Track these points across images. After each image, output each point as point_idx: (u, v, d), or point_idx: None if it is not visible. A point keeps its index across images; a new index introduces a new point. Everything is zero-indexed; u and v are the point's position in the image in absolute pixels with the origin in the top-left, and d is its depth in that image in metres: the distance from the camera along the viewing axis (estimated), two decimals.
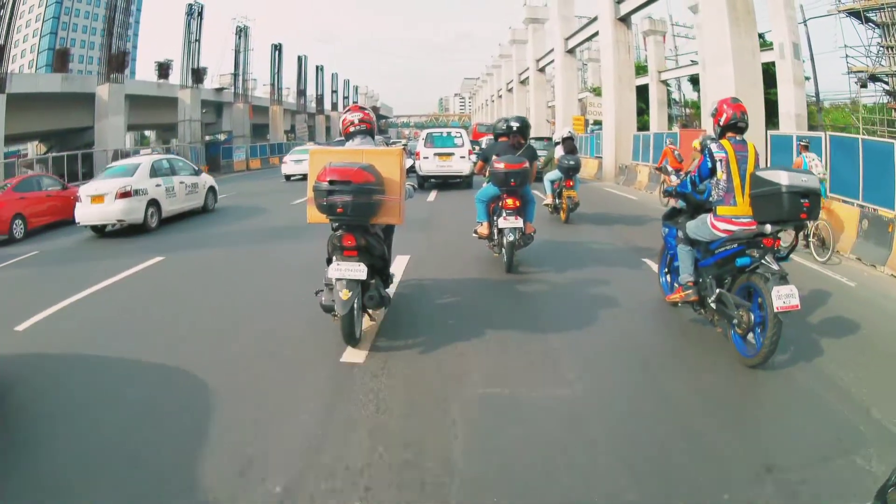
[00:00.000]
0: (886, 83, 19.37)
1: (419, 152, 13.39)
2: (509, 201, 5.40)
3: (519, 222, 5.38)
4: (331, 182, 3.36)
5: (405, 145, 21.90)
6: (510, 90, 42.01)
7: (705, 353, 3.60)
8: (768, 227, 3.37)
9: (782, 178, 3.23)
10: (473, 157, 12.44)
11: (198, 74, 27.75)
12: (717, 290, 3.63)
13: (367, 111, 4.30)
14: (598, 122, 23.84)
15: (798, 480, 2.25)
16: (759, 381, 3.23)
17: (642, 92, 24.14)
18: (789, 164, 7.66)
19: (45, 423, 2.85)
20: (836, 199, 7.54)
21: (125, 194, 8.69)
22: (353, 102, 46.04)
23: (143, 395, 3.10)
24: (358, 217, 3.47)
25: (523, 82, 36.89)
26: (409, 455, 2.43)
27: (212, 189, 11.33)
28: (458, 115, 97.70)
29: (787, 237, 3.81)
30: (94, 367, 3.54)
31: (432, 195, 11.97)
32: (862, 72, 18.32)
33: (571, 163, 8.45)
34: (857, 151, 7.36)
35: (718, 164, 3.53)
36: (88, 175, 17.84)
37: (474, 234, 6.01)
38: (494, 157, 5.55)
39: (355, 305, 3.48)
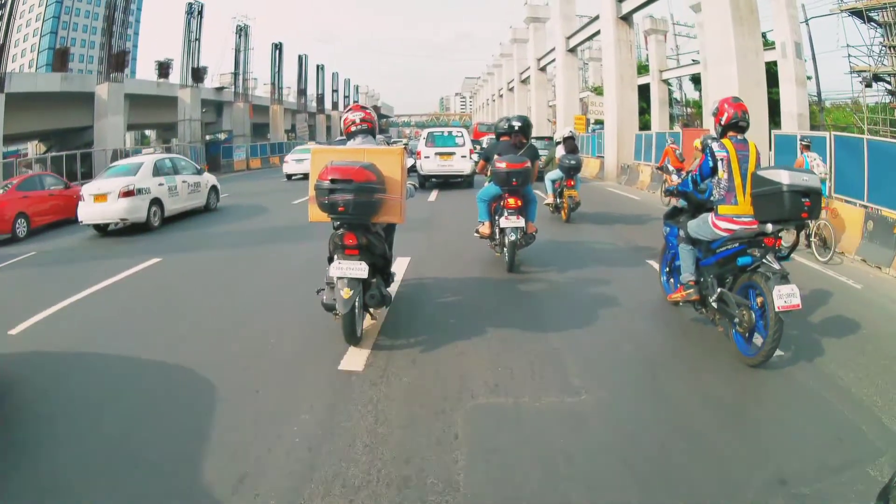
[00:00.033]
0: (889, 83, 19.33)
1: (420, 152, 13.40)
2: (511, 201, 5.40)
3: (521, 222, 5.37)
4: (332, 181, 3.36)
5: (406, 145, 21.94)
6: (511, 89, 41.99)
7: (707, 352, 3.59)
8: (769, 227, 3.37)
9: (783, 177, 3.22)
10: (475, 157, 12.45)
11: (198, 74, 27.75)
12: (719, 290, 3.63)
13: (368, 110, 4.30)
14: (599, 122, 23.84)
15: (803, 485, 2.23)
16: (763, 382, 3.21)
17: (643, 91, 24.10)
18: (793, 163, 7.62)
19: (43, 423, 2.84)
20: (840, 199, 7.47)
21: (128, 193, 8.73)
22: (354, 102, 46.13)
23: (137, 400, 3.02)
24: (359, 216, 3.47)
25: (524, 81, 36.87)
26: (409, 471, 2.33)
27: (214, 188, 11.37)
28: (459, 114, 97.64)
29: (788, 237, 3.80)
30: (89, 371, 3.50)
31: (433, 195, 11.96)
32: (865, 71, 18.26)
33: (572, 162, 8.45)
34: (863, 151, 7.27)
35: (720, 164, 3.53)
36: (87, 175, 17.84)
37: (476, 234, 6.01)
38: (496, 157, 5.54)
39: (356, 304, 3.48)
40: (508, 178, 5.35)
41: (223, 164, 25.93)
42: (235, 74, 33.48)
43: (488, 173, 5.89)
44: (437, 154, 13.23)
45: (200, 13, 27.69)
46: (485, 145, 12.19)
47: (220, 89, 33.98)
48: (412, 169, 12.54)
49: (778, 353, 3.39)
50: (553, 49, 27.12)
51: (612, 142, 17.59)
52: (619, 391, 3.07)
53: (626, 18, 18.01)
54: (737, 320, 3.40)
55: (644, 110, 24.88)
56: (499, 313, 4.29)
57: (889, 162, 6.85)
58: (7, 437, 2.68)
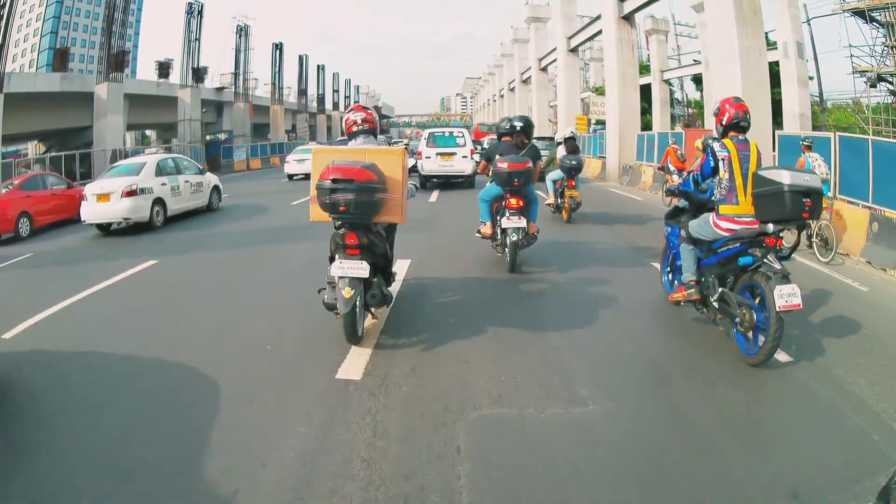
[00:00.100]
0: (891, 83, 19.29)
1: (421, 152, 13.42)
2: (513, 201, 5.40)
3: (522, 222, 5.38)
4: (334, 180, 3.37)
5: (407, 145, 21.95)
6: (512, 90, 42.00)
7: (711, 354, 3.57)
8: (770, 227, 3.37)
9: (784, 177, 3.23)
10: (476, 157, 12.46)
11: (198, 74, 27.79)
12: (720, 289, 3.63)
13: (369, 111, 4.31)
14: (600, 122, 23.82)
15: (816, 499, 2.20)
16: (773, 389, 3.14)
17: (645, 91, 24.10)
18: (796, 164, 7.59)
19: (37, 425, 2.82)
20: (843, 200, 7.43)
21: (131, 193, 8.77)
22: (355, 102, 46.15)
23: (124, 412, 2.90)
24: (360, 215, 3.48)
25: (525, 82, 36.87)
26: (409, 488, 2.23)
27: (216, 188, 11.42)
28: (460, 114, 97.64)
29: (790, 237, 3.79)
30: (84, 374, 3.47)
31: (434, 196, 11.97)
32: (868, 72, 18.23)
33: (573, 163, 8.47)
34: (867, 152, 7.21)
35: (721, 163, 3.53)
36: (87, 175, 17.86)
37: (477, 234, 6.01)
38: (498, 157, 5.54)
39: (357, 303, 3.49)
40: (510, 179, 5.35)
41: (223, 164, 25.97)
42: (236, 74, 33.53)
43: (490, 173, 5.90)
44: (438, 154, 13.24)
45: (200, 13, 27.75)
46: (485, 146, 12.21)
47: (220, 89, 34.04)
48: (413, 169, 12.57)
49: (787, 357, 3.37)
50: (554, 49, 27.12)
51: (613, 142, 17.58)
52: (626, 401, 2.96)
53: (628, 18, 18.02)
54: (738, 320, 3.41)
55: (645, 110, 24.87)
56: (500, 314, 4.28)
57: (894, 163, 6.79)
58: (6, 438, 2.68)
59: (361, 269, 3.44)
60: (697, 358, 3.55)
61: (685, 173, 5.09)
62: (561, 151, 8.75)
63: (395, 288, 4.53)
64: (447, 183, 13.59)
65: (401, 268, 5.28)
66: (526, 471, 2.35)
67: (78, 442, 2.63)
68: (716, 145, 3.58)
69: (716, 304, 3.65)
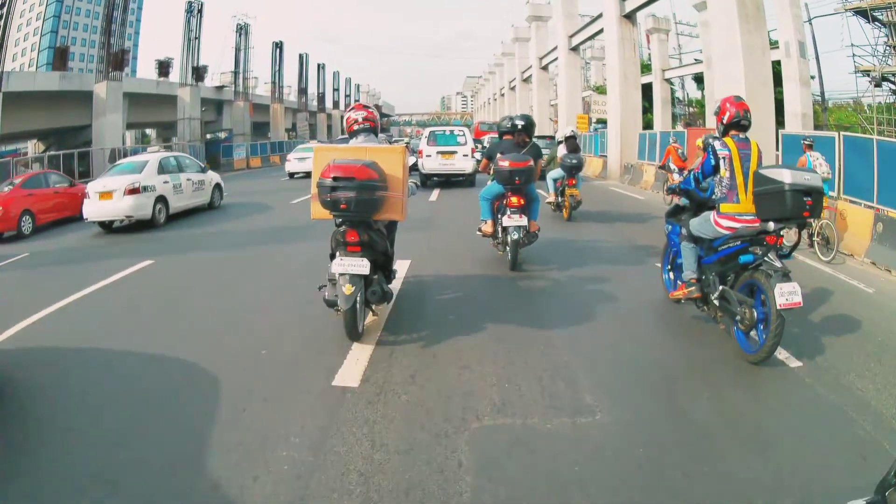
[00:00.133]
0: (894, 83, 19.25)
1: (422, 150, 13.43)
2: (514, 199, 5.41)
3: (523, 220, 5.39)
4: (335, 178, 3.38)
5: (408, 143, 21.96)
6: (513, 88, 41.95)
7: (714, 355, 3.56)
8: (771, 225, 3.38)
9: (785, 176, 3.24)
10: (476, 156, 12.46)
11: (198, 72, 27.79)
12: (721, 287, 3.64)
13: (370, 109, 4.32)
14: (601, 121, 23.80)
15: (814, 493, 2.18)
16: (782, 394, 3.08)
17: (646, 90, 24.07)
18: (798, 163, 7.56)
19: (37, 426, 2.82)
20: (846, 200, 7.38)
21: (134, 191, 8.81)
22: (356, 101, 46.11)
23: (108, 428, 2.76)
24: (361, 213, 3.49)
25: (526, 80, 36.83)
26: None
27: (218, 186, 11.47)
28: (461, 113, 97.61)
29: (790, 235, 3.79)
30: (83, 373, 3.47)
31: (434, 195, 11.96)
32: (872, 71, 18.20)
33: (574, 161, 8.49)
34: (872, 153, 7.16)
35: (722, 162, 3.54)
36: (85, 174, 17.84)
37: (478, 233, 6.02)
38: (499, 156, 5.55)
39: (358, 300, 3.51)
40: (511, 177, 5.36)
41: (223, 162, 25.97)
42: (236, 73, 33.52)
43: (491, 172, 5.90)
44: (438, 153, 13.25)
45: (200, 12, 27.73)
46: (486, 144, 12.22)
47: (220, 88, 34.03)
48: (414, 167, 12.58)
49: (797, 362, 3.34)
50: (555, 48, 27.09)
51: (615, 141, 17.56)
52: (633, 408, 2.87)
53: (630, 17, 17.98)
54: (738, 318, 3.41)
55: (646, 109, 24.85)
56: (501, 312, 4.29)
57: None
58: (6, 438, 2.67)
59: (362, 265, 3.45)
60: (699, 357, 3.54)
61: (686, 172, 5.10)
62: (562, 150, 8.76)
63: (395, 286, 4.53)
64: (448, 181, 13.60)
65: (401, 267, 5.27)
66: (531, 487, 2.25)
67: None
68: (717, 144, 3.59)
69: (716, 302, 3.65)
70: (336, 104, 54.72)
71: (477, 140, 17.99)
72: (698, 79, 27.36)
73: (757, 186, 3.39)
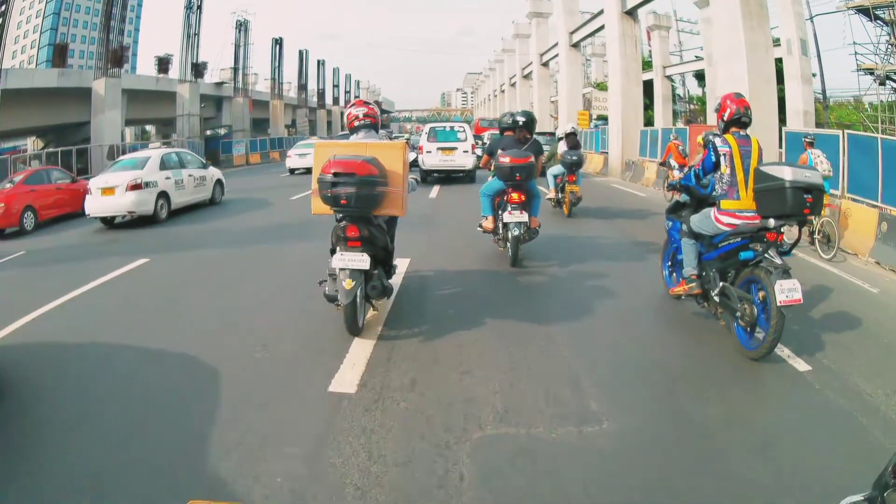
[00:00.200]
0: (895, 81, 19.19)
1: (422, 146, 13.42)
2: (515, 196, 5.41)
3: (524, 216, 5.39)
4: (335, 174, 3.39)
5: (408, 139, 21.93)
6: (513, 85, 41.84)
7: (709, 347, 3.59)
8: (772, 222, 3.39)
9: (786, 173, 3.25)
10: (477, 152, 12.45)
11: (197, 69, 27.70)
12: (721, 284, 3.64)
13: (371, 106, 4.32)
14: (602, 118, 23.75)
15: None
16: (791, 397, 3.03)
17: (647, 87, 24.01)
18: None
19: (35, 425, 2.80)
20: (850, 198, 7.34)
21: (136, 186, 8.83)
22: (356, 97, 46.00)
23: (91, 436, 2.68)
24: (361, 208, 3.50)
25: (527, 77, 36.73)
26: None
27: (219, 182, 11.50)
28: (461, 109, 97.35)
29: (791, 232, 3.78)
30: (82, 372, 3.46)
31: (434, 191, 11.93)
32: (875, 69, 18.15)
33: (574, 158, 8.49)
34: (877, 151, 7.11)
35: (722, 159, 3.54)
36: (84, 171, 17.79)
37: (479, 229, 6.02)
38: (500, 152, 5.55)
39: (358, 295, 3.51)
40: (512, 173, 5.36)
41: (222, 159, 25.86)
42: (235, 69, 33.40)
43: (492, 168, 5.90)
44: (439, 149, 13.24)
45: (200, 8, 27.60)
46: (486, 140, 12.19)
47: (219, 84, 33.93)
48: (414, 163, 12.57)
49: (806, 366, 3.31)
50: (556, 44, 27.01)
51: (616, 138, 17.53)
52: (639, 415, 2.79)
53: (631, 13, 17.91)
54: (739, 314, 3.42)
55: (647, 106, 24.79)
56: (502, 308, 4.29)
57: None
58: (6, 439, 2.67)
59: (362, 260, 3.46)
60: (700, 354, 3.54)
61: (686, 168, 5.10)
62: (562, 147, 8.77)
63: (396, 281, 4.53)
64: (448, 177, 13.59)
65: (401, 265, 5.24)
66: (537, 501, 2.16)
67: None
68: (717, 141, 3.59)
69: (717, 299, 3.66)
70: (336, 100, 54.58)
71: (477, 136, 17.94)
72: (699, 76, 27.29)
73: (757, 183, 3.40)
